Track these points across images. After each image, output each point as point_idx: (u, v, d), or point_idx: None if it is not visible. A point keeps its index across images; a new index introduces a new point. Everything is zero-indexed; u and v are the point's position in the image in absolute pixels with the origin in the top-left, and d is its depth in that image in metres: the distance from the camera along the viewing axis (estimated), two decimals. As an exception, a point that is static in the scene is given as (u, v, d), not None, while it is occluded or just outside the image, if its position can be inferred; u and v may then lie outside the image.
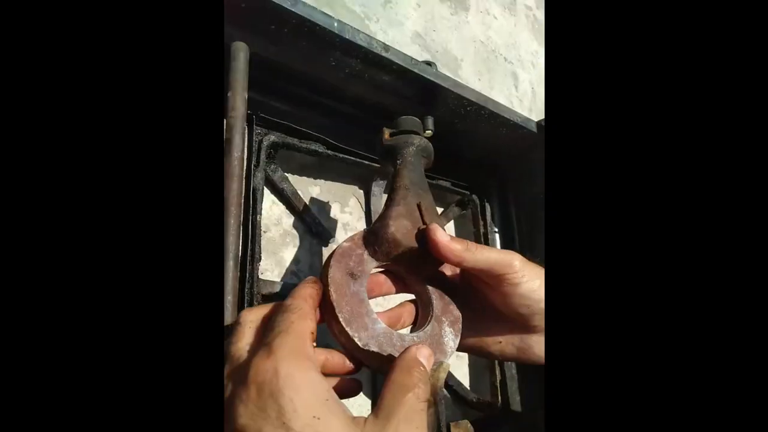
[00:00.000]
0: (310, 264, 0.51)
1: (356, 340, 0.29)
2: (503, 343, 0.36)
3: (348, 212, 0.56)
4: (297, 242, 0.51)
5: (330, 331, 0.31)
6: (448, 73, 0.75)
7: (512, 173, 0.67)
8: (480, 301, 0.36)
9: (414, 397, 0.24)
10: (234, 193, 0.35)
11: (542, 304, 0.34)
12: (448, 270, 0.37)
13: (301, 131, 0.48)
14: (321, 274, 0.32)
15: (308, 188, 0.53)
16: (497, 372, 0.62)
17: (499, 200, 0.68)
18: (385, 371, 0.27)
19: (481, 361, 0.64)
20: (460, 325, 0.35)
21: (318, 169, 0.54)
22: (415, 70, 0.43)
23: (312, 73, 0.45)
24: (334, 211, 0.55)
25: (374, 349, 0.29)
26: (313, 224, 0.52)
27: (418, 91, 0.48)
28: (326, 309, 0.30)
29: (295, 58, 0.42)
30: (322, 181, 0.55)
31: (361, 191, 0.58)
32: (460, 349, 0.36)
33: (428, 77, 0.44)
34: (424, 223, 0.35)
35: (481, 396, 0.62)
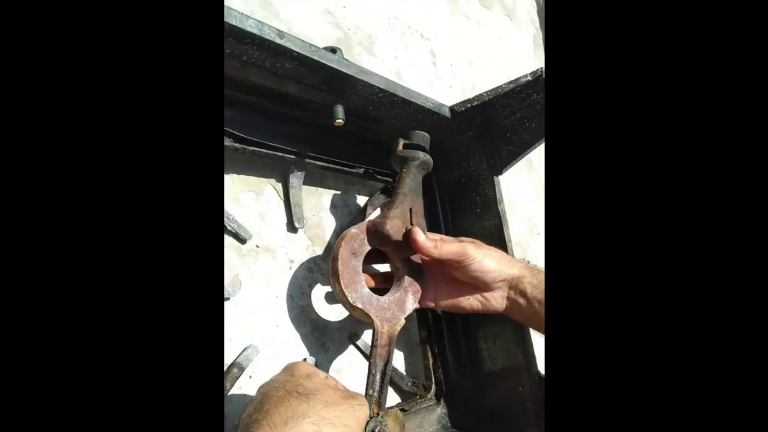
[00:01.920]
0: (227, 260, 0.49)
1: (349, 298, 0.46)
2: (471, 299, 0.53)
3: (265, 202, 0.54)
4: (209, 242, 0.48)
5: (333, 290, 0.48)
6: (362, 52, 0.74)
7: (433, 158, 0.67)
8: (450, 273, 0.52)
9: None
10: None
11: (492, 273, 0.50)
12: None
13: (203, 125, 0.45)
14: (333, 250, 0.48)
15: (219, 185, 0.51)
16: (430, 355, 0.63)
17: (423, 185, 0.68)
18: (364, 320, 0.49)
19: (415, 344, 0.65)
20: (419, 295, 0.53)
21: (228, 165, 0.52)
22: (315, 57, 0.41)
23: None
24: (250, 203, 0.53)
25: (359, 305, 0.47)
26: (228, 221, 0.50)
27: (323, 78, 0.46)
28: (333, 273, 0.47)
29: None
30: (235, 175, 0.52)
31: (279, 183, 0.56)
32: (441, 308, 0.56)
33: (330, 65, 0.43)
34: (411, 223, 0.50)
35: (416, 379, 0.63)
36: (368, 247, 0.49)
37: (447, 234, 0.68)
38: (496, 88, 0.55)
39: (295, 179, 0.55)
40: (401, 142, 0.53)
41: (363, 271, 0.50)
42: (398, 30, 0.82)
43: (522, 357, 0.59)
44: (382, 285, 0.53)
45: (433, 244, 0.49)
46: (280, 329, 0.51)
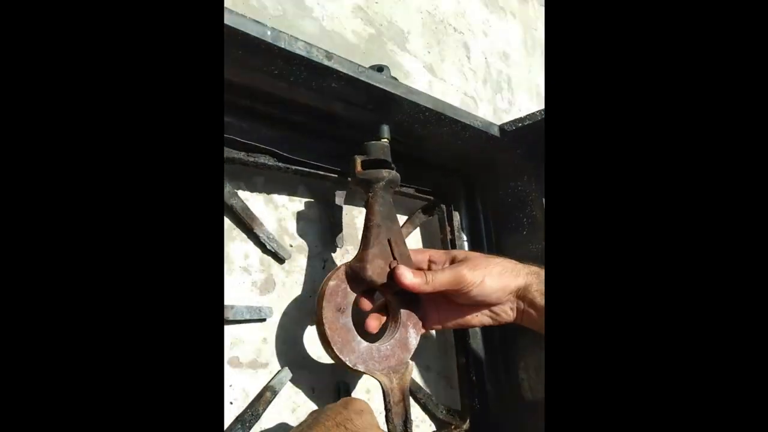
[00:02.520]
0: (264, 281, 0.48)
1: (347, 362, 0.42)
2: (479, 316, 0.48)
3: (306, 221, 0.53)
4: (250, 261, 0.48)
5: (327, 353, 0.43)
6: (395, 48, 0.72)
7: (479, 176, 0.65)
8: (452, 297, 0.47)
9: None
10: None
11: (496, 294, 0.46)
12: None
13: (247, 144, 0.45)
14: (315, 311, 0.43)
15: (260, 203, 0.50)
16: (467, 383, 0.60)
17: (466, 205, 0.66)
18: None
19: (452, 371, 0.62)
20: (421, 326, 0.48)
21: (270, 184, 0.51)
22: (363, 78, 0.40)
23: (254, 82, 0.42)
24: (291, 222, 0.52)
25: (361, 368, 0.43)
26: (267, 241, 0.49)
27: (370, 98, 0.45)
28: (323, 339, 0.42)
29: (234, 68, 0.39)
30: (276, 195, 0.52)
31: (320, 202, 0.55)
32: (449, 328, 0.53)
33: (378, 85, 0.41)
34: (394, 257, 0.45)
35: (452, 406, 0.60)
36: (353, 296, 0.44)
37: (490, 253, 0.65)
38: (550, 107, 0.52)
39: (338, 198, 0.54)
40: (358, 160, 0.46)
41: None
42: (431, 25, 0.80)
43: (567, 393, 0.56)
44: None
45: (423, 280, 0.44)
46: (314, 352, 0.50)
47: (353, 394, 0.52)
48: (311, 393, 0.49)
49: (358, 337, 0.44)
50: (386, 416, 0.43)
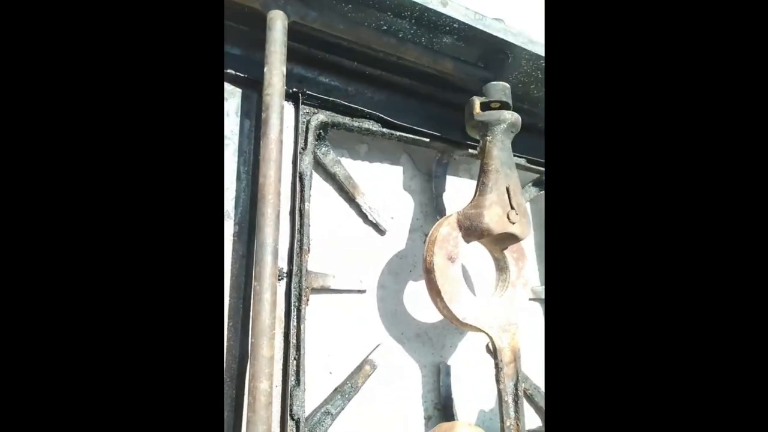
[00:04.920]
0: (365, 251, 0.47)
1: (457, 315, 0.39)
2: None
3: (407, 195, 0.51)
4: (350, 231, 0.47)
5: (435, 306, 0.40)
6: None
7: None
8: None
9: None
10: (271, 179, 0.33)
11: None
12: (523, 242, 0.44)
13: (353, 108, 0.43)
14: (424, 257, 0.40)
15: (363, 171, 0.49)
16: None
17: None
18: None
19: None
20: (530, 287, 0.46)
21: (373, 153, 0.49)
22: (480, 26, 0.36)
23: (361, 40, 0.39)
24: (392, 195, 0.50)
25: (470, 322, 0.40)
26: (369, 211, 0.47)
27: (484, 53, 0.40)
28: (431, 288, 0.39)
29: (340, 25, 0.37)
30: (379, 163, 0.50)
31: (422, 172, 0.52)
32: None
33: (497, 35, 0.37)
34: (511, 206, 0.41)
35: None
36: (465, 246, 0.41)
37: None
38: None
39: (440, 168, 0.51)
40: (477, 101, 0.42)
41: None
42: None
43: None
44: None
45: None
46: (413, 328, 0.48)
47: (454, 374, 0.49)
48: (411, 370, 0.47)
49: (467, 291, 0.41)
50: (496, 376, 0.41)
